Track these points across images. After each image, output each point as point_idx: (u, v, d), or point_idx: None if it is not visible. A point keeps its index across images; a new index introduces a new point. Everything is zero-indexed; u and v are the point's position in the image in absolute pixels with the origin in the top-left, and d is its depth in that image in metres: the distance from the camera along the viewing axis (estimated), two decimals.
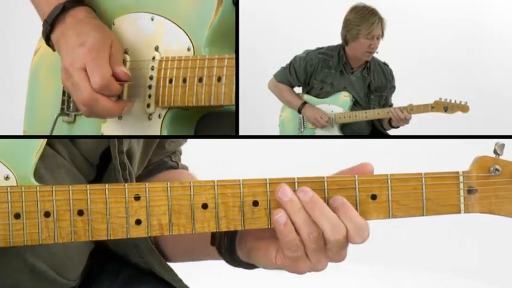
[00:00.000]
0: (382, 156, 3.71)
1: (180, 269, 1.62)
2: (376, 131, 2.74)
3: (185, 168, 1.78)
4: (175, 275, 1.60)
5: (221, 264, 1.50)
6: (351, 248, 1.39)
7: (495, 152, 1.39)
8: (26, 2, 1.67)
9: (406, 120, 2.62)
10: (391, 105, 2.73)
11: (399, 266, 3.94)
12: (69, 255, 1.53)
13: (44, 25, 1.59)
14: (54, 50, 1.60)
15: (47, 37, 1.60)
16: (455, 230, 3.91)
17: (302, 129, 2.77)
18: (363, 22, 2.61)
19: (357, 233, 1.36)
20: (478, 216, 1.44)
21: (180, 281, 1.60)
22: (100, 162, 1.58)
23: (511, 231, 3.78)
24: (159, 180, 1.66)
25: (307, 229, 1.36)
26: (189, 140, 1.82)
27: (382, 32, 2.63)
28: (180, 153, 1.81)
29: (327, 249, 1.38)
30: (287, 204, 1.35)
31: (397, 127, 2.68)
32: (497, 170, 1.39)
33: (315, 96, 2.74)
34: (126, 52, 1.59)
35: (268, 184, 1.37)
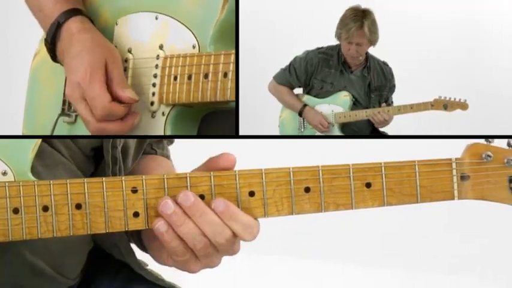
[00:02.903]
0: (382, 156, 3.70)
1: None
2: (376, 131, 2.74)
3: (165, 156, 1.77)
4: (155, 275, 1.60)
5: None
6: (352, 249, 1.39)
7: (509, 144, 1.41)
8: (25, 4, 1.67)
9: (386, 122, 2.64)
10: (390, 104, 2.74)
11: (399, 267, 3.94)
12: (68, 253, 1.52)
13: (45, 44, 1.60)
14: (62, 65, 1.60)
15: (53, 56, 1.60)
16: (455, 230, 3.91)
17: (302, 130, 2.77)
18: (343, 26, 2.64)
19: (245, 232, 1.37)
20: (479, 217, 1.44)
21: (163, 280, 1.61)
22: (97, 155, 1.58)
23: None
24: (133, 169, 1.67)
25: (193, 240, 1.36)
26: (189, 140, 1.81)
27: (370, 40, 2.63)
28: (171, 142, 1.80)
29: (217, 249, 1.39)
30: (171, 217, 1.35)
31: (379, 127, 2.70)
32: (489, 156, 1.40)
33: (315, 96, 2.74)
34: (129, 51, 1.59)
35: (264, 174, 1.38)
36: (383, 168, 1.41)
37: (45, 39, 1.59)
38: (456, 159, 1.41)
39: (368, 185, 1.39)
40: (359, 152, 3.95)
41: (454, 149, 1.40)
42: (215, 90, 1.47)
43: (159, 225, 1.36)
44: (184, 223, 1.35)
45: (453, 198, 1.41)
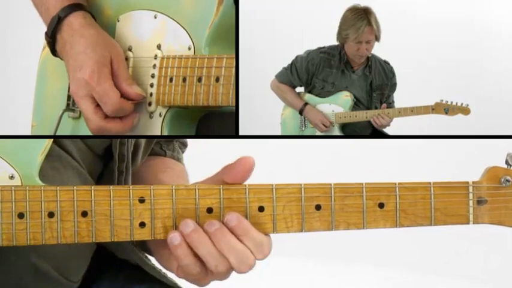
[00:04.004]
0: (382, 156, 3.71)
1: None
2: (376, 131, 2.74)
3: (176, 159, 1.77)
4: (158, 271, 1.60)
5: None
6: (358, 250, 1.39)
7: (507, 162, 1.38)
8: (26, 2, 1.67)
9: (386, 126, 2.65)
10: (391, 103, 2.74)
11: (402, 269, 3.95)
12: (73, 256, 1.52)
13: (45, 39, 1.60)
14: (62, 60, 1.60)
15: (52, 50, 1.60)
16: (462, 234, 3.92)
17: (303, 128, 2.77)
18: (350, 27, 2.63)
19: (257, 251, 1.36)
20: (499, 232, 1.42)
21: (166, 277, 1.60)
22: (106, 155, 1.58)
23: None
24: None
25: (214, 262, 1.35)
26: (189, 140, 1.82)
27: (376, 36, 2.64)
28: (184, 145, 1.80)
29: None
30: (190, 236, 1.34)
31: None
32: (508, 181, 1.38)
33: (316, 96, 2.74)
34: (129, 49, 1.59)
35: (274, 190, 1.37)
36: (397, 188, 1.38)
37: (46, 33, 1.59)
38: (473, 182, 1.39)
39: (381, 205, 1.38)
40: (359, 152, 3.96)
41: (454, 149, 1.40)
42: (208, 94, 1.47)
43: (173, 237, 1.34)
44: (204, 242, 1.34)
45: (468, 223, 1.39)
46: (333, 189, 1.37)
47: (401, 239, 3.85)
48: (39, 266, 1.47)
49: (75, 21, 1.56)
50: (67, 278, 1.53)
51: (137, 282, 1.62)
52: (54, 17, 1.56)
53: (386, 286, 3.88)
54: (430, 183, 1.38)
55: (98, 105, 1.53)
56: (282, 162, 3.30)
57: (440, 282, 3.91)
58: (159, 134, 1.55)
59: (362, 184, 1.38)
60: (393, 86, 2.77)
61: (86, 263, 1.58)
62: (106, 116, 1.53)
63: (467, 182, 1.39)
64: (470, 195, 1.39)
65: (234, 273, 1.41)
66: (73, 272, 1.54)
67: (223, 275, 1.39)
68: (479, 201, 1.39)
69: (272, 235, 1.40)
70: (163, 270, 1.55)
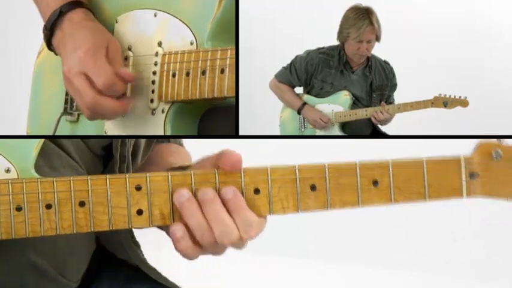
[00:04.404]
0: (382, 156, 3.69)
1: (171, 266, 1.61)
2: (376, 131, 2.74)
3: (178, 143, 1.79)
4: (158, 273, 1.61)
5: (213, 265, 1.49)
6: (358, 250, 1.39)
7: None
8: (26, 2, 1.67)
9: (385, 121, 2.65)
10: (391, 103, 2.74)
11: (403, 269, 3.94)
12: (72, 255, 1.52)
13: (43, 31, 1.60)
14: (56, 54, 1.60)
15: (48, 42, 1.60)
16: (463, 233, 3.92)
17: (303, 129, 2.77)
18: (352, 26, 2.63)
19: (244, 230, 1.36)
20: (482, 217, 1.43)
21: (166, 279, 1.61)
22: (106, 155, 1.58)
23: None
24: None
25: (200, 232, 1.35)
26: (189, 140, 1.81)
27: (377, 36, 2.64)
28: None
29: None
30: (183, 205, 1.35)
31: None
32: (499, 154, 1.39)
33: (315, 96, 2.74)
34: (129, 49, 1.59)
35: (269, 172, 1.38)
36: (390, 166, 1.40)
37: (44, 26, 1.59)
38: (465, 157, 1.40)
39: (375, 183, 1.39)
40: (359, 152, 3.94)
41: (455, 149, 1.40)
42: (212, 86, 1.47)
43: (176, 229, 1.36)
44: (196, 213, 1.35)
45: (462, 196, 1.40)
46: (327, 169, 1.38)
47: (401, 239, 3.85)
48: (38, 265, 1.48)
49: (77, 16, 1.57)
50: (66, 277, 1.53)
51: (138, 283, 1.62)
52: (56, 11, 1.57)
53: (387, 286, 3.88)
54: (422, 159, 1.40)
55: (92, 82, 1.53)
56: (282, 163, 3.29)
57: (440, 282, 3.91)
58: (162, 130, 1.55)
59: (356, 163, 1.39)
60: (393, 87, 2.77)
61: (85, 262, 1.58)
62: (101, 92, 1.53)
63: (459, 157, 1.40)
64: (463, 170, 1.39)
65: (232, 273, 1.41)
66: (72, 271, 1.54)
67: (211, 248, 1.39)
68: (472, 175, 1.40)
69: (274, 234, 1.40)
70: (164, 272, 1.56)
